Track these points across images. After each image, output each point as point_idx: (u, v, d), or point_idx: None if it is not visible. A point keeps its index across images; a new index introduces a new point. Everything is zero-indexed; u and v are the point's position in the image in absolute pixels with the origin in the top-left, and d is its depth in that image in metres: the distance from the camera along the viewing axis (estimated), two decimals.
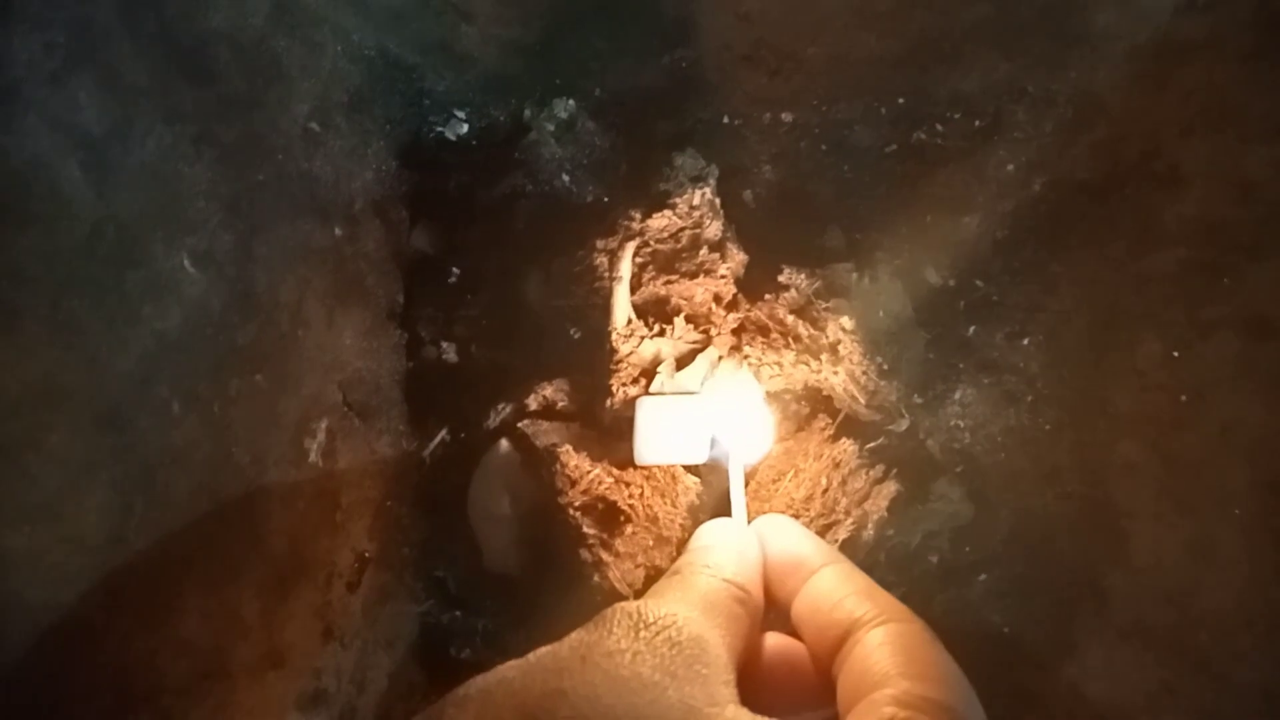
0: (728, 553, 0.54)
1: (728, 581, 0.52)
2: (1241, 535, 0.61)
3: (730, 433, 0.66)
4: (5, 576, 0.41)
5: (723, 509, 0.74)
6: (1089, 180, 0.74)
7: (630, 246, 0.65)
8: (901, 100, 0.77)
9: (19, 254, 0.43)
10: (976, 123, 0.77)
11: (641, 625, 0.45)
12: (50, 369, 0.44)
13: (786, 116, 0.78)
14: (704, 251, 0.68)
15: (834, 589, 0.52)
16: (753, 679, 0.48)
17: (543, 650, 0.45)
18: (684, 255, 0.68)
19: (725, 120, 0.77)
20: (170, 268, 0.52)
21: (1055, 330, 0.76)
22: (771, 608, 0.55)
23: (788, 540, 0.56)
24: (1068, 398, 0.75)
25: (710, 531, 0.58)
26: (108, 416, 0.47)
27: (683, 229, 0.67)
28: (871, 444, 0.71)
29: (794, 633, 0.54)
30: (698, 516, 0.74)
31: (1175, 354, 0.67)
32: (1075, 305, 0.75)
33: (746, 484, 0.71)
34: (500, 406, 0.72)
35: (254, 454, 0.58)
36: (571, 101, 0.75)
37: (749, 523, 0.59)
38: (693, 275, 0.68)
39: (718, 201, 0.69)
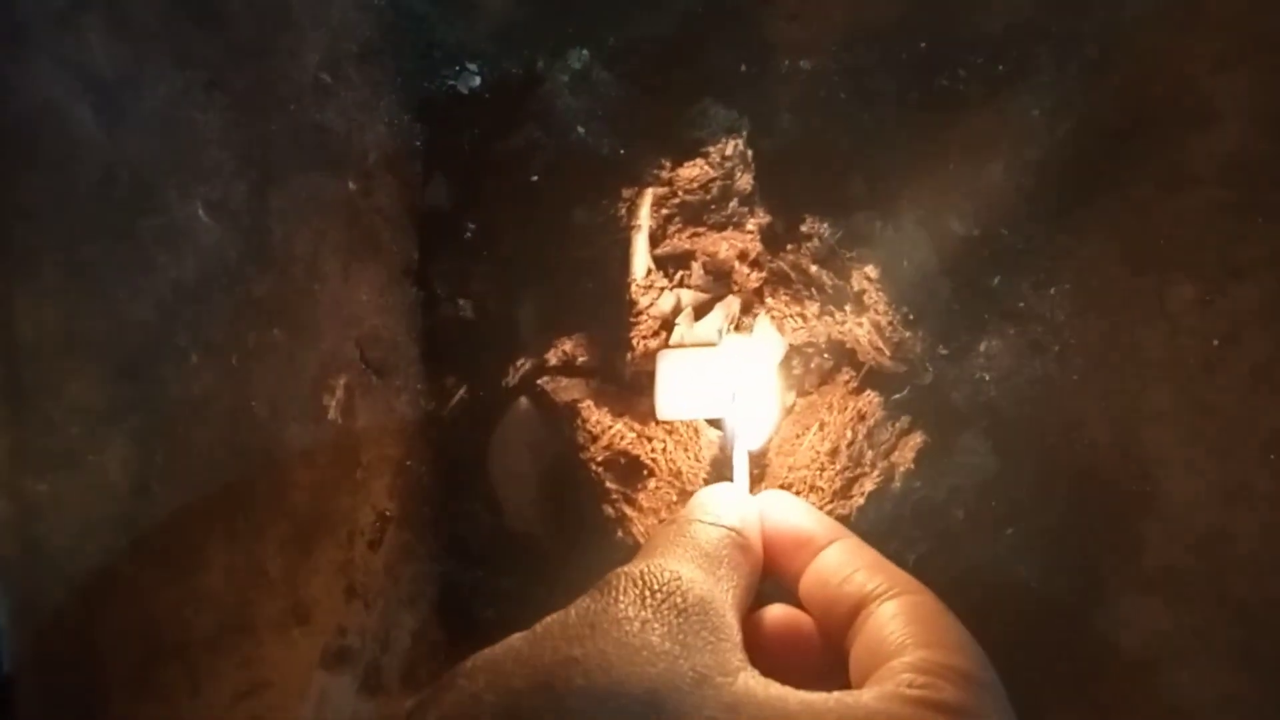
0: (727, 504, 0.54)
1: (728, 529, 0.51)
2: (1274, 479, 0.61)
3: (738, 405, 0.65)
4: (30, 523, 0.41)
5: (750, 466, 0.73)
6: (1116, 122, 0.72)
7: (649, 193, 0.64)
8: (923, 44, 0.75)
9: (33, 196, 0.42)
10: (1000, 67, 0.75)
11: (647, 592, 0.45)
12: (68, 315, 0.43)
13: (805, 64, 0.76)
14: (734, 204, 0.67)
15: (843, 564, 0.52)
16: (758, 649, 0.48)
17: (550, 619, 0.45)
18: (713, 207, 0.67)
19: (742, 69, 0.75)
20: (184, 216, 0.51)
21: (1082, 278, 0.74)
22: (779, 584, 0.55)
23: (793, 516, 0.56)
24: (1095, 346, 0.73)
25: (709, 491, 0.57)
26: (127, 365, 0.47)
27: (713, 179, 0.66)
28: (896, 396, 0.70)
29: (800, 607, 0.54)
30: (721, 471, 0.73)
31: (1206, 297, 0.66)
32: (1102, 252, 0.73)
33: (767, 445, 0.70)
34: (519, 363, 0.71)
35: (273, 408, 0.57)
36: (585, 51, 0.74)
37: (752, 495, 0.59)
38: (720, 228, 0.66)
39: (750, 154, 0.67)
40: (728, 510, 0.53)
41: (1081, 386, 0.74)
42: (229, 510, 0.53)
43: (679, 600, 0.44)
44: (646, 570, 0.46)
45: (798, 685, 0.44)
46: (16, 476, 0.41)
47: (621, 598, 0.45)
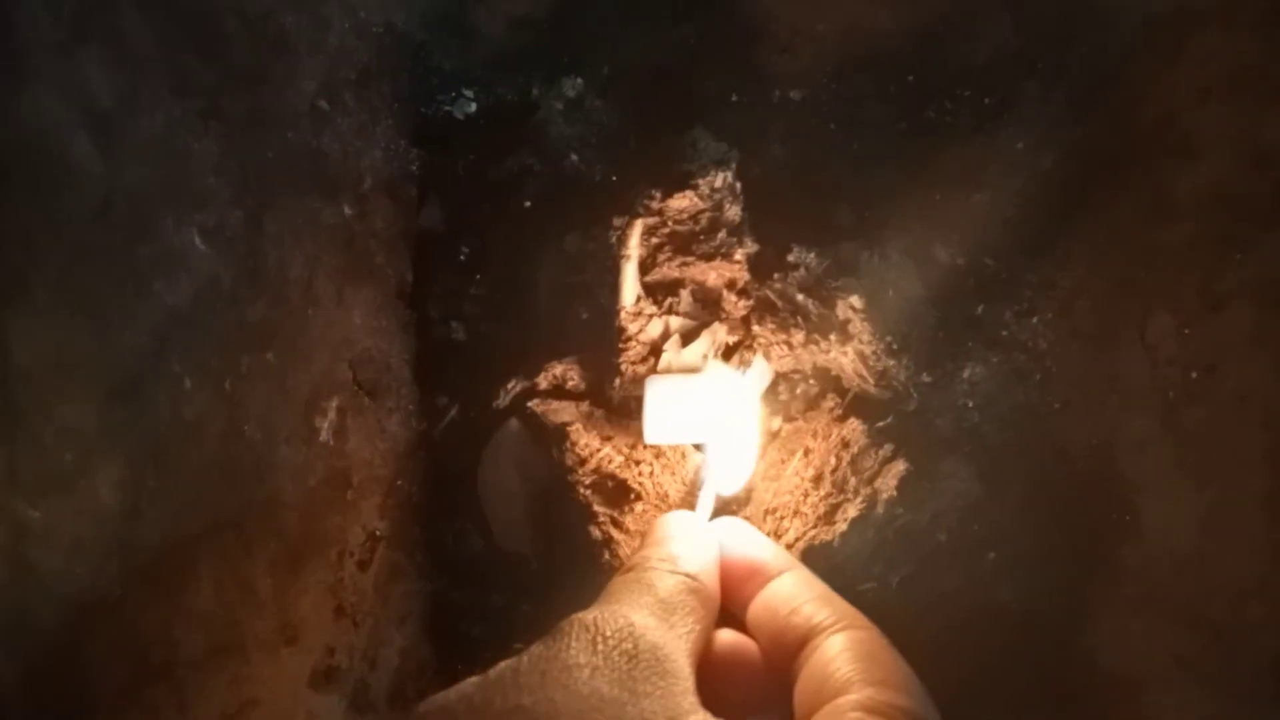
0: (686, 546, 0.54)
1: (686, 576, 0.52)
2: (1255, 506, 0.61)
3: (717, 438, 0.66)
4: (23, 548, 0.41)
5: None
6: (1100, 154, 0.73)
7: (639, 224, 0.65)
8: (911, 78, 0.77)
9: (29, 221, 0.42)
10: (986, 99, 0.77)
11: (599, 639, 0.45)
12: (62, 339, 0.44)
13: (795, 94, 0.77)
14: (722, 235, 0.68)
15: (792, 595, 0.53)
16: (705, 674, 0.48)
17: (503, 665, 0.46)
18: (702, 238, 0.68)
19: (734, 99, 0.77)
20: (180, 243, 0.51)
21: (1065, 307, 0.75)
22: (727, 610, 0.56)
23: (746, 544, 0.57)
24: (1077, 375, 0.74)
25: (669, 524, 0.58)
26: (120, 389, 0.47)
27: (702, 211, 0.67)
28: (880, 423, 0.71)
29: (747, 634, 0.55)
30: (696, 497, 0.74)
31: (1186, 329, 0.67)
32: (1085, 281, 0.74)
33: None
34: (510, 385, 0.72)
35: (265, 431, 0.58)
36: (580, 80, 0.75)
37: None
38: (709, 258, 0.68)
39: (739, 186, 0.69)
40: (687, 554, 0.54)
41: (1063, 414, 0.74)
42: (219, 531, 0.54)
43: (630, 647, 0.45)
44: (600, 617, 0.47)
45: (740, 713, 0.45)
46: (7, 498, 0.41)
47: (573, 644, 0.45)
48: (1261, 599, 0.60)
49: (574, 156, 0.75)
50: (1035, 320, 0.76)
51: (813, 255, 0.67)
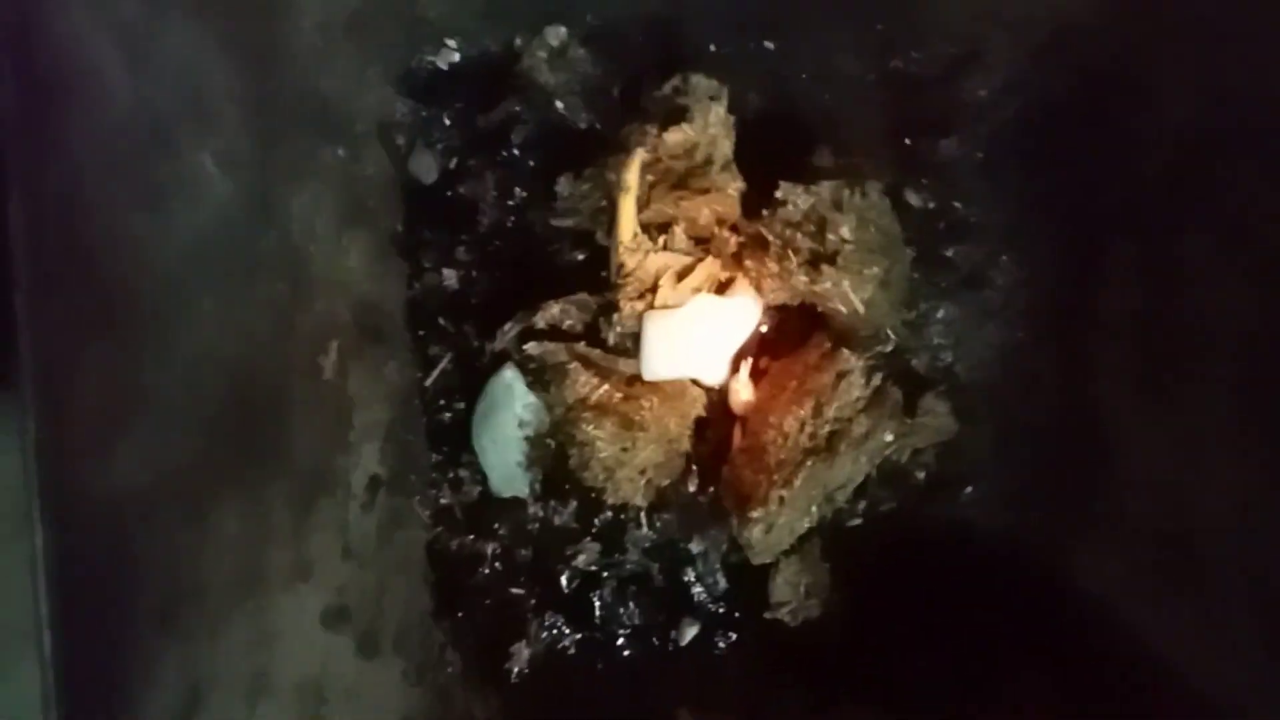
0: None
1: None
2: (1229, 431, 0.62)
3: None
4: (70, 469, 0.41)
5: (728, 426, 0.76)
6: (1065, 99, 0.76)
7: (639, 154, 0.66)
8: (880, 27, 0.80)
9: (68, 130, 0.42)
10: (953, 49, 0.80)
11: None
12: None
13: (770, 45, 0.80)
14: (715, 170, 0.69)
15: None
16: None
17: None
18: (697, 172, 0.69)
19: (712, 49, 0.79)
20: (195, 165, 0.51)
21: (1033, 246, 0.79)
22: None
23: None
24: (1047, 309, 0.78)
25: None
26: (151, 309, 0.47)
27: (697, 145, 0.68)
28: (869, 353, 0.73)
29: None
30: (704, 432, 0.75)
31: (1152, 256, 0.69)
32: (1052, 220, 0.78)
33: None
34: (506, 328, 0.72)
35: (278, 363, 0.58)
36: (563, 29, 0.76)
37: None
38: (703, 191, 0.69)
39: (732, 120, 0.70)
40: None
41: (1035, 347, 0.78)
42: (241, 459, 0.53)
43: None
44: None
45: None
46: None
47: None
48: (1239, 526, 0.60)
49: (560, 104, 0.76)
50: (1005, 259, 0.80)
51: (799, 191, 0.69)
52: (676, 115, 0.68)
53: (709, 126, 0.68)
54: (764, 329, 0.76)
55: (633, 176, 0.66)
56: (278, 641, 0.55)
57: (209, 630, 0.49)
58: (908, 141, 0.81)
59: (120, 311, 0.45)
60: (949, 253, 0.81)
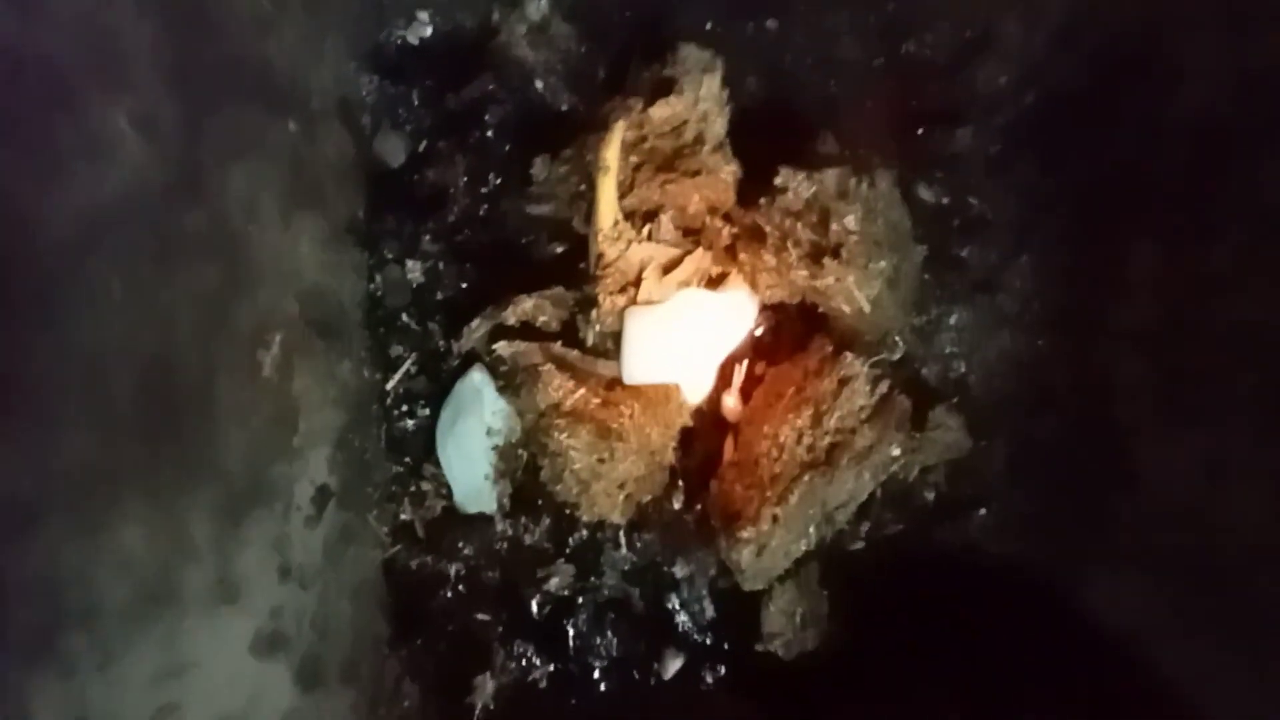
0: None
1: None
2: (1251, 445, 0.58)
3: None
4: None
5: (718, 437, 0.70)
6: (1085, 88, 0.71)
7: (619, 128, 0.59)
8: (891, 7, 0.74)
9: None
10: (967, 33, 0.74)
11: None
12: None
13: (771, 24, 0.74)
14: (706, 150, 0.63)
15: None
16: None
17: None
18: (686, 153, 0.63)
19: (708, 27, 0.73)
20: (107, 127, 0.45)
21: (1050, 247, 0.73)
22: None
23: None
24: (1064, 316, 0.72)
25: None
26: (38, 287, 0.40)
27: (686, 122, 0.62)
28: (875, 358, 0.67)
29: None
30: (691, 442, 0.69)
31: (1175, 261, 0.64)
32: (1070, 220, 0.72)
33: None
34: (473, 325, 0.66)
35: (203, 356, 0.51)
36: (544, 2, 0.70)
37: None
38: (693, 175, 0.63)
39: (725, 94, 0.64)
40: None
41: (1051, 358, 0.72)
42: (149, 463, 0.46)
43: None
44: None
45: None
46: None
47: None
48: (1262, 543, 0.57)
49: (539, 84, 0.70)
50: (1022, 260, 0.74)
51: (801, 178, 0.63)
52: (664, 88, 0.61)
53: (700, 101, 0.62)
54: (759, 330, 0.69)
55: (613, 154, 0.60)
56: (191, 672, 0.48)
57: (99, 660, 0.42)
58: (919, 131, 0.75)
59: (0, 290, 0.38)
60: (963, 253, 0.75)
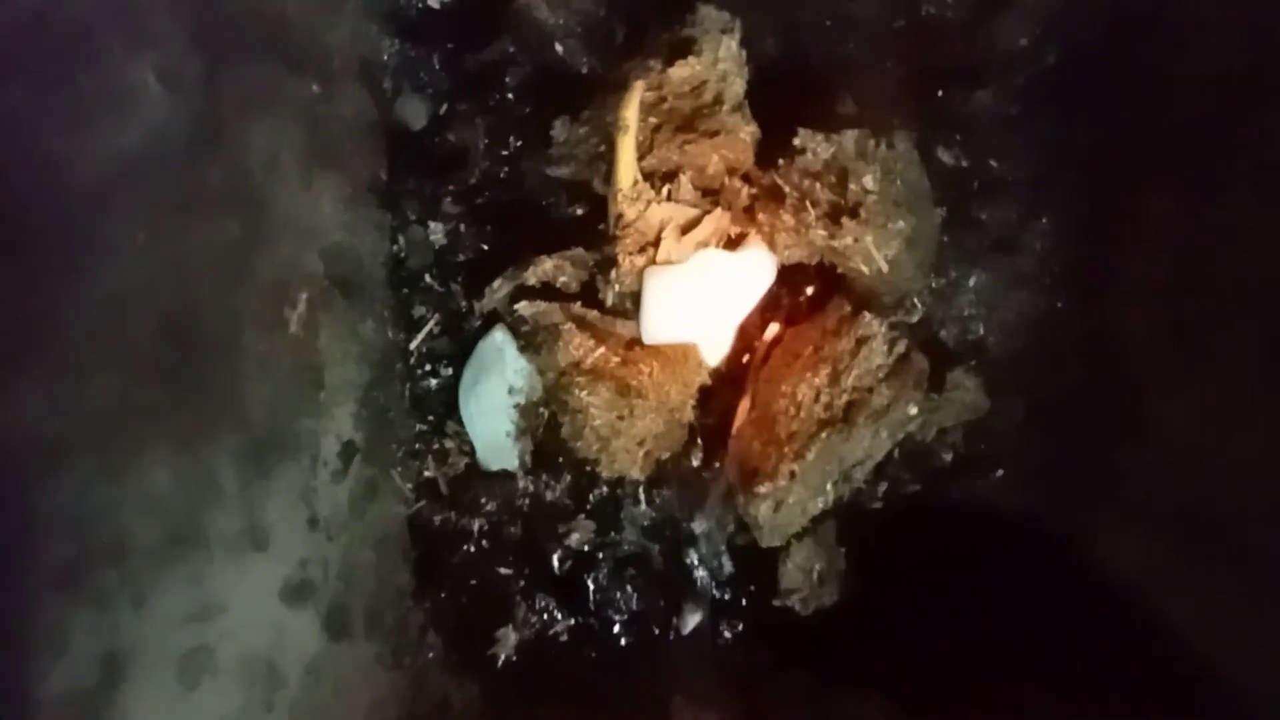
0: None
1: None
2: (1256, 398, 0.58)
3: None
4: None
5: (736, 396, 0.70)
6: (1102, 47, 0.70)
7: (639, 88, 0.60)
8: None
9: None
10: None
11: None
12: None
13: None
14: (725, 111, 0.63)
15: None
16: None
17: None
18: (705, 113, 0.63)
19: None
20: (130, 79, 0.46)
21: (1066, 206, 0.72)
22: None
23: None
24: (1078, 274, 0.71)
25: None
26: (63, 231, 0.42)
27: (705, 82, 0.62)
28: (893, 319, 0.67)
29: None
30: (709, 400, 0.69)
31: (1186, 215, 0.64)
32: (1086, 178, 0.71)
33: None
34: (495, 286, 0.66)
35: (227, 308, 0.52)
36: None
37: None
38: (712, 135, 0.63)
39: (744, 55, 0.64)
40: None
41: (1066, 316, 0.71)
42: (175, 408, 0.48)
43: None
44: None
45: None
46: None
47: None
48: (1267, 495, 0.56)
49: (558, 47, 0.70)
50: (1042, 221, 0.73)
51: (820, 138, 0.63)
52: (683, 48, 0.61)
53: (719, 61, 0.62)
54: (777, 290, 0.69)
55: (632, 113, 0.60)
56: (221, 615, 0.50)
57: (131, 597, 0.44)
58: (939, 92, 0.74)
59: (25, 235, 0.39)
60: (982, 215, 0.74)
